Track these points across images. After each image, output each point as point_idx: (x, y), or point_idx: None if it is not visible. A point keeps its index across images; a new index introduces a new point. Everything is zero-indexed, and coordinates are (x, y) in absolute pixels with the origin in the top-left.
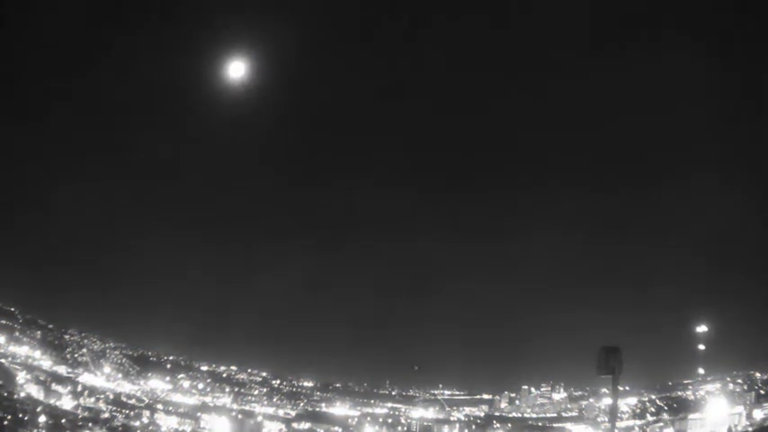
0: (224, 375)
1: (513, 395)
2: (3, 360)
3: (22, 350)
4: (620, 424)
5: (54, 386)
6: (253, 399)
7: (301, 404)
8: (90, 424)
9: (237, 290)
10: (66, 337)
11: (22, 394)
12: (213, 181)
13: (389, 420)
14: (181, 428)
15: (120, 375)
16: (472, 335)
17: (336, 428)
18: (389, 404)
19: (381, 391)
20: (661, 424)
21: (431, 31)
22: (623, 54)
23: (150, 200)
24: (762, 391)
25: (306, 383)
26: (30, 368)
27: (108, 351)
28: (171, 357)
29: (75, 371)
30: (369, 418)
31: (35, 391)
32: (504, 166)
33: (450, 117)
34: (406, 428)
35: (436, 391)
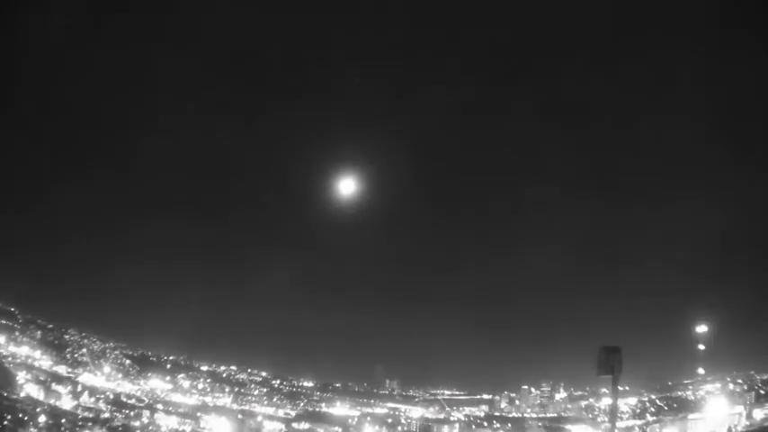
0: (224, 375)
1: (513, 395)
2: (3, 360)
3: (22, 350)
4: (620, 424)
5: (54, 386)
6: (253, 399)
7: (301, 404)
8: (90, 424)
9: (236, 290)
10: (66, 337)
11: (22, 394)
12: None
13: (389, 420)
14: (181, 428)
15: (120, 375)
16: (473, 334)
17: (336, 428)
18: (389, 404)
19: (381, 391)
20: (661, 424)
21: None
22: (630, 62)
23: (150, 202)
24: (762, 391)
25: (306, 383)
26: (30, 368)
27: (108, 351)
28: (171, 357)
29: (75, 371)
30: (369, 418)
31: (35, 391)
32: (506, 169)
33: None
34: (406, 428)
35: (436, 391)
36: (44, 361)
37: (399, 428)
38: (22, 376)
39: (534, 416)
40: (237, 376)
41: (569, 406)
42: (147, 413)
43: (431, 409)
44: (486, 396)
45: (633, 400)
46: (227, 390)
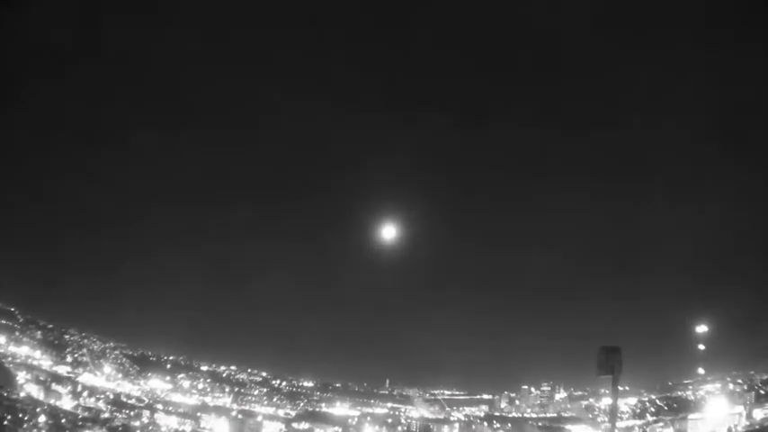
0: (224, 375)
1: (513, 395)
2: (3, 360)
3: (22, 350)
4: (620, 424)
5: (54, 386)
6: (253, 399)
7: (301, 404)
8: (90, 424)
9: (236, 291)
10: (66, 337)
11: (22, 394)
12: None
13: (389, 420)
14: (181, 428)
15: (120, 375)
16: (473, 334)
17: (336, 428)
18: (389, 404)
19: (381, 391)
20: (661, 424)
21: None
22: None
23: (152, 202)
24: (762, 391)
25: (306, 383)
26: (30, 368)
27: (108, 351)
28: (171, 357)
29: (76, 371)
30: (369, 418)
31: (35, 391)
32: (506, 173)
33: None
34: (405, 428)
35: (436, 391)
36: (44, 361)
37: (399, 428)
38: (22, 376)
39: (534, 416)
40: (237, 376)
41: (569, 406)
42: (147, 413)
43: (431, 409)
44: (486, 396)
45: (633, 400)
46: (227, 390)
